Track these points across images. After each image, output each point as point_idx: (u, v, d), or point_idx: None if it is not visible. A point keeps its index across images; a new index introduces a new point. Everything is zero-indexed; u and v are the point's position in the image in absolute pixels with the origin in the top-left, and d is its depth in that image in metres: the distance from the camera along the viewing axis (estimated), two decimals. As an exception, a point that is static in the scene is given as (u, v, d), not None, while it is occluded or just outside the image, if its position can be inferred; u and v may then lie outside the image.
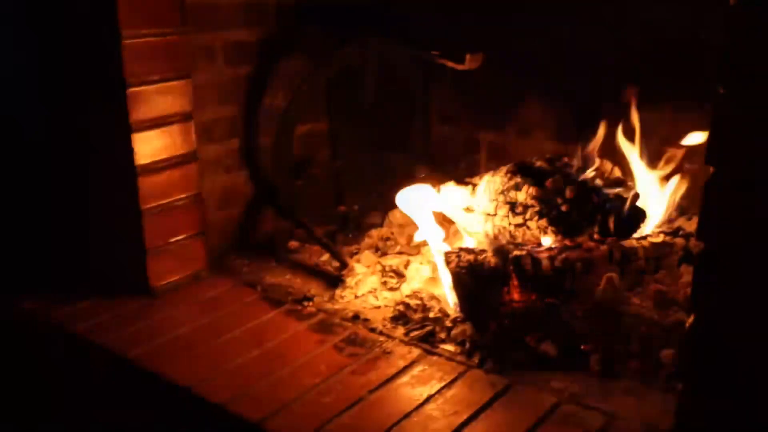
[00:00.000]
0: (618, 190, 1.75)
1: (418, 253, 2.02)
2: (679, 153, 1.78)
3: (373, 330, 1.71)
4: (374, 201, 2.31)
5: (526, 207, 1.76)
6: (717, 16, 1.01)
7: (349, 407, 1.43)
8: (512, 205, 1.78)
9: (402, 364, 1.57)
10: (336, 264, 2.01)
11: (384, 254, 2.04)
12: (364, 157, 2.38)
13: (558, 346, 1.53)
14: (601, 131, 1.86)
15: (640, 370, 1.47)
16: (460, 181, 1.93)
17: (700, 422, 1.11)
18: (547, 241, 1.71)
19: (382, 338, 1.68)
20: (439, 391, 1.47)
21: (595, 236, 1.70)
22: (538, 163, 1.88)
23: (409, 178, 2.01)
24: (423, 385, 1.49)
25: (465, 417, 1.38)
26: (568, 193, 1.73)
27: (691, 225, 1.80)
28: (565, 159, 1.88)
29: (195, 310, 1.84)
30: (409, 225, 2.14)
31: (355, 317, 1.77)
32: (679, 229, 1.79)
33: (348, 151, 2.41)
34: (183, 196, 1.95)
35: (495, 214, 1.81)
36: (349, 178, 2.41)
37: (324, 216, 2.29)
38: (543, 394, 1.44)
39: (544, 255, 1.62)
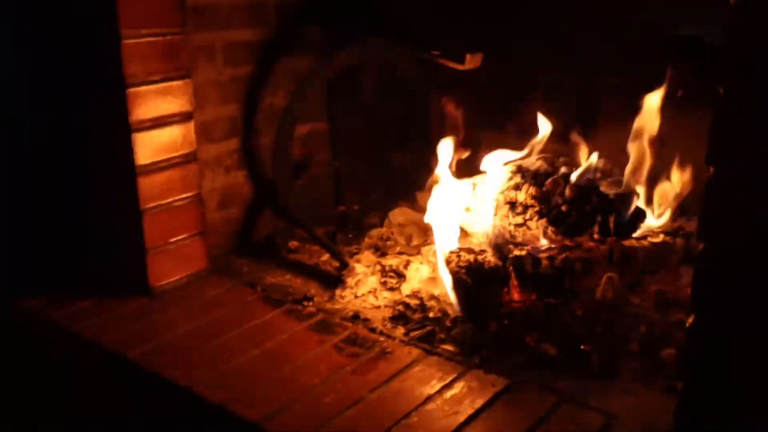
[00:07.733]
0: (618, 190, 1.75)
1: (418, 253, 2.02)
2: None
3: (373, 330, 1.71)
4: (374, 201, 2.31)
5: (526, 207, 1.76)
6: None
7: (349, 407, 1.43)
8: (512, 205, 1.78)
9: (402, 364, 1.57)
10: (336, 264, 2.01)
11: (384, 254, 2.04)
12: (364, 157, 2.38)
13: (558, 346, 1.53)
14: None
15: (640, 370, 1.47)
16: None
17: (699, 423, 1.11)
18: (544, 242, 1.72)
19: (382, 338, 1.68)
20: (439, 391, 1.47)
21: (595, 236, 1.70)
22: (538, 163, 1.88)
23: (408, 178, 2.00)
24: (423, 385, 1.49)
25: (465, 417, 1.38)
26: (568, 192, 1.73)
27: (691, 225, 1.80)
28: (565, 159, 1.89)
29: (195, 310, 1.84)
30: (409, 225, 2.14)
31: (355, 317, 1.77)
32: (679, 229, 1.79)
33: (348, 151, 2.41)
34: (183, 196, 1.95)
35: (495, 214, 1.81)
36: (349, 178, 2.41)
37: (324, 216, 2.29)
38: (543, 394, 1.44)
39: (544, 255, 1.62)
